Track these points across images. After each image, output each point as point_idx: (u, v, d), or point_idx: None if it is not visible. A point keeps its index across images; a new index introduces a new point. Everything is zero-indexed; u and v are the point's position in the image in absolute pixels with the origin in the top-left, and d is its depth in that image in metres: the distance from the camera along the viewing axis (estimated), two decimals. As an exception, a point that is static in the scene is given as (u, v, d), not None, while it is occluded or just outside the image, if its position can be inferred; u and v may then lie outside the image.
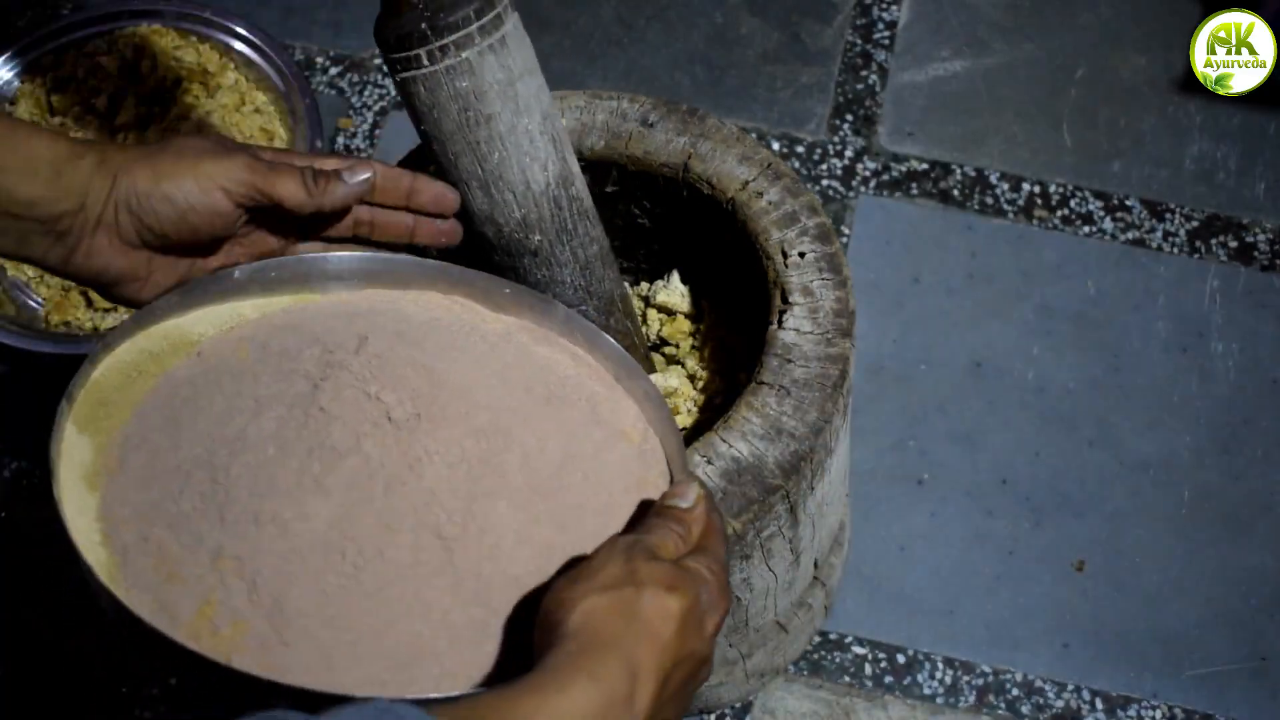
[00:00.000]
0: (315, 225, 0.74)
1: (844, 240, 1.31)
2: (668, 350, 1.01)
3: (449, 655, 0.57)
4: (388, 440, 0.60)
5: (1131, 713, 1.11)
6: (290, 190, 0.68)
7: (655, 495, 0.64)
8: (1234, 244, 1.30)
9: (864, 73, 1.41)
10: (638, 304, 1.03)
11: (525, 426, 0.65)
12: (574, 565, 0.58)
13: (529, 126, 0.75)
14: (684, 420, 0.94)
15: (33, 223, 0.64)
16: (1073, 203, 1.32)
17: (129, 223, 0.66)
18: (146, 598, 0.57)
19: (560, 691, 0.49)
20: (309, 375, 0.63)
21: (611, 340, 0.72)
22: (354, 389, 0.62)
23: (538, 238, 0.78)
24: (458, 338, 0.70)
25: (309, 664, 0.55)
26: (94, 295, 1.27)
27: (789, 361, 0.81)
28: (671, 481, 0.66)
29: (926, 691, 1.12)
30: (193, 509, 0.58)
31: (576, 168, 0.80)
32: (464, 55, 0.71)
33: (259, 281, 0.71)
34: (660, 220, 0.97)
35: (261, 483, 0.58)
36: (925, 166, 1.35)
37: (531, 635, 0.55)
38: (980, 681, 1.12)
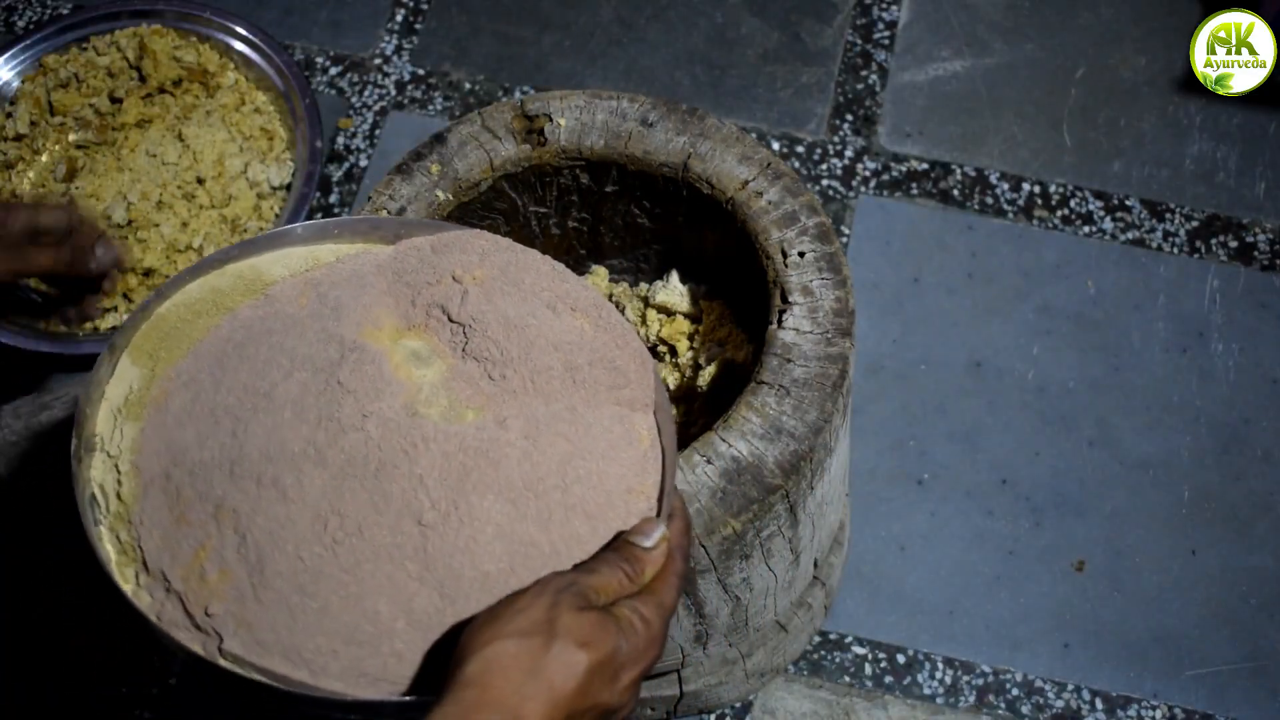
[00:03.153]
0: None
1: (844, 240, 1.31)
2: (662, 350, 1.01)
3: (402, 636, 0.59)
4: (391, 423, 0.62)
5: (1131, 713, 1.10)
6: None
7: (644, 503, 0.64)
8: (1234, 244, 1.30)
9: (864, 73, 1.41)
10: (638, 304, 1.03)
11: (542, 419, 0.65)
12: (544, 565, 0.60)
13: None
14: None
15: None
16: (1073, 203, 1.32)
17: None
18: (155, 534, 0.61)
19: None
20: (342, 343, 0.65)
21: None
22: (373, 366, 0.64)
23: None
24: (517, 290, 0.70)
25: (275, 624, 0.59)
26: (94, 295, 1.26)
27: (789, 361, 0.81)
28: (662, 494, 0.65)
29: (926, 691, 1.11)
30: (210, 458, 0.62)
31: None
32: None
33: (324, 236, 0.73)
34: (660, 220, 0.97)
35: (273, 445, 0.61)
36: (925, 166, 1.35)
37: None
38: (980, 681, 1.12)
